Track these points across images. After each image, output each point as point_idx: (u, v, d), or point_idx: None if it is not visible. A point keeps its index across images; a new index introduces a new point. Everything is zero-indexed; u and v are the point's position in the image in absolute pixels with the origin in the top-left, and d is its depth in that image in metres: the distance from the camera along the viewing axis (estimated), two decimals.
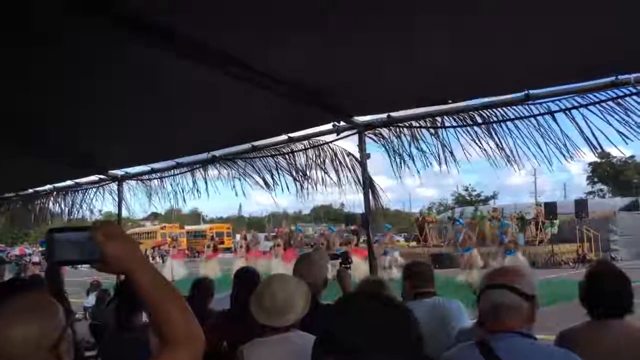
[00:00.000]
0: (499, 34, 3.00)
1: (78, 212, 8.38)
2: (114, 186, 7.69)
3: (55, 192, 8.57)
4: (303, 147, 5.49)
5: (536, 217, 28.11)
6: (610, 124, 3.66)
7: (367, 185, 4.95)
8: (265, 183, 5.98)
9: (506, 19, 2.83)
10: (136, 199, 7.56)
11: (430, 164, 4.69)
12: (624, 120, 3.60)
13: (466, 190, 75.73)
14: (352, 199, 5.31)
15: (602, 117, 3.67)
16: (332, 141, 5.23)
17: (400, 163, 4.82)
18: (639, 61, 3.35)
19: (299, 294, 2.80)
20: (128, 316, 3.50)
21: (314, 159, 5.50)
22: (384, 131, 4.80)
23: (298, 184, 5.71)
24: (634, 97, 3.53)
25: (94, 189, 8.05)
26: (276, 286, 2.83)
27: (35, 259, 34.55)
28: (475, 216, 29.34)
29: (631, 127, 3.60)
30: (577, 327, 2.80)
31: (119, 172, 7.40)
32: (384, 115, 4.62)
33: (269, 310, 2.75)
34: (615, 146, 3.89)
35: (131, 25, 2.78)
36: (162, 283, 1.35)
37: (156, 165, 6.85)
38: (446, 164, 4.61)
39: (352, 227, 26.99)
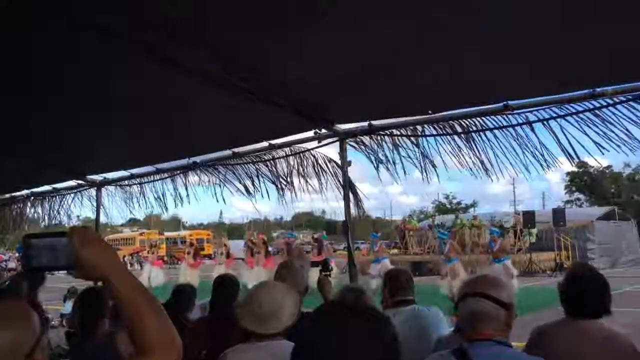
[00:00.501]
0: (480, 45, 3.03)
1: (56, 217, 8.28)
2: (93, 192, 7.61)
3: (32, 198, 8.45)
4: (284, 154, 5.49)
5: (514, 226, 28.36)
6: (587, 135, 3.72)
7: (348, 192, 4.95)
8: (246, 189, 5.96)
9: (487, 31, 2.86)
10: (115, 205, 7.50)
11: (410, 171, 4.72)
12: (600, 131, 3.66)
13: (447, 198, 76.21)
14: (334, 207, 5.32)
15: (579, 127, 3.73)
16: (314, 148, 5.24)
17: (381, 171, 4.86)
18: (616, 73, 3.42)
19: (288, 302, 2.78)
20: (92, 324, 3.45)
21: (295, 166, 5.51)
22: (365, 139, 4.82)
23: (279, 190, 5.71)
24: (611, 108, 3.59)
25: (72, 195, 7.96)
26: (265, 293, 2.82)
27: (12, 264, 34.00)
28: (456, 224, 29.50)
29: (608, 138, 3.66)
30: (553, 324, 2.84)
31: (97, 178, 7.32)
32: (365, 123, 4.64)
33: (256, 317, 2.74)
34: (592, 156, 3.95)
35: (109, 33, 2.77)
36: (139, 289, 1.34)
37: (136, 171, 6.80)
38: (426, 172, 4.65)
39: (315, 236, 26.37)
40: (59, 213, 8.23)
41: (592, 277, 2.86)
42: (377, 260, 20.68)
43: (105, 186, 7.44)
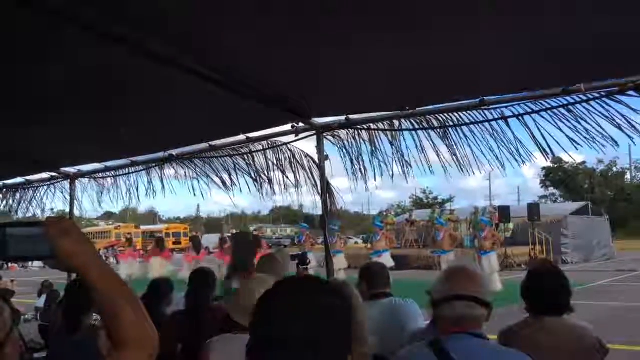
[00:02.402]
0: (457, 42, 3.05)
1: (28, 210, 8.15)
2: (66, 184, 7.50)
3: (4, 190, 8.31)
4: (262, 148, 5.48)
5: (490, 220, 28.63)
6: (561, 130, 3.77)
7: (325, 186, 4.96)
8: (224, 183, 5.93)
9: (464, 30, 2.88)
10: (89, 198, 7.40)
11: (388, 165, 4.74)
12: (574, 126, 3.72)
13: (424, 193, 76.87)
14: (312, 200, 5.32)
15: (553, 123, 3.78)
16: (291, 142, 5.24)
17: (359, 165, 4.87)
18: (589, 71, 3.46)
19: None
20: (76, 318, 3.42)
21: (272, 160, 5.49)
22: (342, 133, 4.83)
23: (257, 184, 5.69)
24: (584, 104, 3.64)
25: (45, 187, 7.83)
26: (256, 285, 2.82)
27: None
28: (432, 218, 29.72)
29: (581, 134, 3.71)
30: (518, 325, 2.89)
31: (71, 170, 7.22)
32: (343, 117, 4.65)
33: (243, 309, 2.74)
34: (566, 152, 4.01)
35: (82, 23, 2.72)
36: (115, 282, 1.32)
37: (110, 164, 6.71)
38: (403, 167, 4.68)
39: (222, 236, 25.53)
40: (31, 205, 8.10)
41: (553, 275, 2.92)
42: (376, 253, 19.14)
43: (79, 179, 7.34)
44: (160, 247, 23.44)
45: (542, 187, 71.59)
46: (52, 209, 8.23)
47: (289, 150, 5.37)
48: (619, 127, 3.56)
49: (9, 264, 34.17)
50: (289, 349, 1.12)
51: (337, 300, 1.22)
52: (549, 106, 3.74)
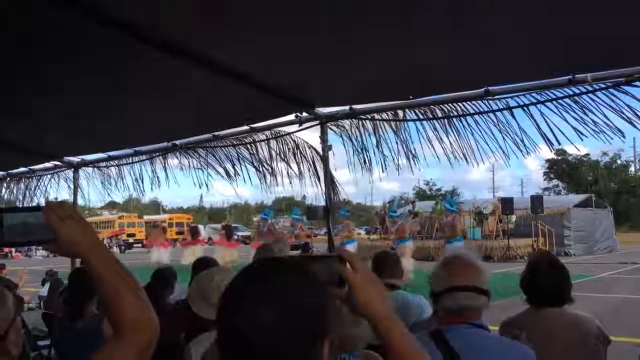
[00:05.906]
0: (462, 32, 3.03)
1: (32, 199, 8.16)
2: (70, 173, 7.51)
3: (8, 179, 8.32)
4: (265, 138, 5.46)
5: (493, 212, 28.63)
6: (567, 121, 3.74)
7: (328, 176, 4.95)
8: (227, 173, 5.93)
9: (469, 19, 2.86)
10: (93, 187, 7.41)
11: (393, 156, 4.73)
12: (580, 117, 3.69)
13: (427, 184, 76.79)
14: (315, 191, 5.30)
15: (558, 113, 3.75)
16: (294, 132, 5.22)
17: (362, 155, 4.86)
18: (595, 61, 3.43)
19: None
20: (79, 305, 3.42)
21: (276, 150, 5.48)
22: (346, 123, 4.81)
23: (260, 174, 5.69)
24: (590, 95, 3.61)
25: (49, 176, 7.85)
26: (221, 278, 2.79)
27: None
28: (435, 210, 29.69)
29: (587, 125, 3.69)
30: (519, 315, 2.88)
31: (75, 159, 7.22)
32: (347, 107, 4.62)
33: (201, 300, 2.72)
34: (572, 143, 3.98)
35: (92, 15, 2.72)
36: (116, 266, 1.31)
37: (114, 153, 6.71)
38: (407, 157, 4.66)
39: (223, 223, 26.32)
40: (35, 194, 8.12)
41: (552, 267, 2.91)
42: (342, 245, 18.01)
43: (83, 168, 7.34)
44: (193, 236, 23.66)
45: (545, 179, 71.41)
46: (56, 198, 8.24)
47: (293, 140, 5.35)
48: (625, 118, 3.53)
49: (13, 253, 34.30)
50: (257, 338, 1.03)
51: (308, 284, 1.13)
52: (555, 97, 3.71)
